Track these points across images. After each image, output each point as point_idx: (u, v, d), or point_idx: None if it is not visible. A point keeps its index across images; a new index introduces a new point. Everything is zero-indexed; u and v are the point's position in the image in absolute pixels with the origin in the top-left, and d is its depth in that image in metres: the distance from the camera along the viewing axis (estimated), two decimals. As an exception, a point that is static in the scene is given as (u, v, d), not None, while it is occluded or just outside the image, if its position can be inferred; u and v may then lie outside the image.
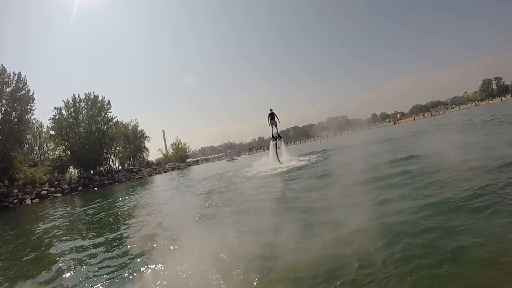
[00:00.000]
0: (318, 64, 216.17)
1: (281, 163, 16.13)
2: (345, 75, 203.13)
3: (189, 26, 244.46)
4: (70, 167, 43.91)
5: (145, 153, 58.37)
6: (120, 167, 51.33)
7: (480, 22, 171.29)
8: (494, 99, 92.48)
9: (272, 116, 17.37)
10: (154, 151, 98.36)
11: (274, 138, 17.42)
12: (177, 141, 69.59)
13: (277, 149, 17.15)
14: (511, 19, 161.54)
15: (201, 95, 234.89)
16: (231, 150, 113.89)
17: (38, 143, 46.20)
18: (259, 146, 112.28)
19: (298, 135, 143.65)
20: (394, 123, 78.86)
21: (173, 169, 54.72)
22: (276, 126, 17.53)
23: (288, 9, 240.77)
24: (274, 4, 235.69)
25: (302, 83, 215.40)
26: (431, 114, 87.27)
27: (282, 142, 18.09)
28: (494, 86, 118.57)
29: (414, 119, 78.20)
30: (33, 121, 40.71)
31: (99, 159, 45.49)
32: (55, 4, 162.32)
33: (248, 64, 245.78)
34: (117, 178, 41.82)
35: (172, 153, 68.18)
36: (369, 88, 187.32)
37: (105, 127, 47.53)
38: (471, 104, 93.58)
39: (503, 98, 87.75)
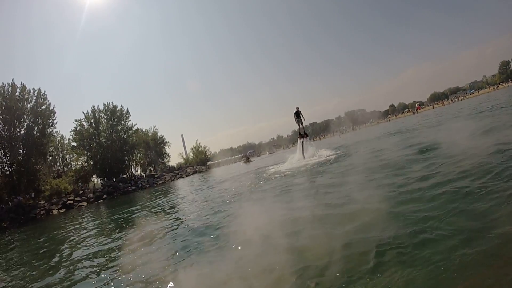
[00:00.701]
0: (336, 54, 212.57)
1: (304, 158, 16.43)
2: (363, 63, 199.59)
3: (202, 25, 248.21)
4: (94, 176, 44.52)
5: (166, 159, 58.79)
6: (142, 174, 51.69)
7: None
8: None
9: (298, 114, 17.42)
10: (174, 156, 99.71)
11: (301, 136, 17.64)
12: (197, 144, 69.63)
13: (303, 147, 17.24)
14: None
15: (217, 97, 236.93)
16: (251, 151, 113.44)
17: (60, 155, 47.09)
18: (278, 144, 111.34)
19: (317, 131, 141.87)
20: (413, 113, 77.37)
21: (194, 172, 54.68)
22: (302, 124, 17.64)
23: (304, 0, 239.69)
24: None
25: (320, 77, 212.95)
26: (451, 100, 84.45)
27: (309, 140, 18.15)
28: None
29: (434, 108, 76.17)
30: (55, 134, 41.70)
31: (121, 167, 45.96)
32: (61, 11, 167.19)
33: (266, 61, 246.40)
34: (140, 185, 42.02)
35: (193, 156, 68.40)
36: (386, 77, 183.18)
37: (125, 135, 48.11)
38: (491, 88, 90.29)
39: None
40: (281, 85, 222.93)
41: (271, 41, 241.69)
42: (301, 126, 17.60)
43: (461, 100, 75.64)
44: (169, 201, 14.65)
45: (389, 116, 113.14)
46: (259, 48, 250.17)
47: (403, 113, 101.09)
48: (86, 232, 10.56)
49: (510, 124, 8.65)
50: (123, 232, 8.14)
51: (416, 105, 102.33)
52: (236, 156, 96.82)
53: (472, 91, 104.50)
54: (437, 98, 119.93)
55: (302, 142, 17.44)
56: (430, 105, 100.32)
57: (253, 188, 10.76)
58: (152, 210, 12.53)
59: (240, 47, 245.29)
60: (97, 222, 14.05)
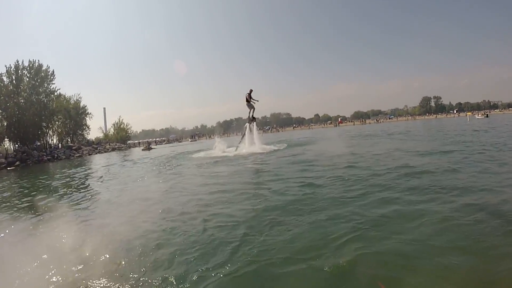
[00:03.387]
0: (264, 60, 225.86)
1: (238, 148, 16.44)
2: (289, 74, 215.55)
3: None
4: (6, 139, 40.74)
5: (86, 131, 55.55)
6: (58, 144, 48.91)
7: (428, 44, 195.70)
8: (430, 116, 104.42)
9: (250, 96, 16.66)
10: (94, 130, 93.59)
11: (251, 120, 16.91)
12: (119, 120, 67.47)
13: (247, 134, 16.89)
14: (457, 44, 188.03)
15: (144, 75, 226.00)
16: (173, 135, 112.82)
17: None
18: (201, 133, 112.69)
19: (240, 126, 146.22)
20: (335, 126, 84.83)
21: (113, 149, 53.63)
22: (252, 108, 16.95)
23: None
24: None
25: (244, 76, 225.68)
26: (374, 121, 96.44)
27: (254, 125, 17.21)
28: (432, 104, 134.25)
29: (354, 124, 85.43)
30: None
31: (38, 133, 42.36)
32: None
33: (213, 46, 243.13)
34: (55, 155, 40.30)
35: (113, 133, 65.98)
36: (314, 89, 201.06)
37: (46, 99, 44.13)
38: (409, 117, 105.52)
39: (438, 115, 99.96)
40: (205, 80, 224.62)
41: (222, 31, 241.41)
42: (251, 110, 16.90)
43: (380, 122, 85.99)
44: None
45: (312, 124, 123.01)
46: (207, 34, 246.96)
47: (326, 124, 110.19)
48: None
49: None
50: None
51: (339, 119, 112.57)
52: (157, 139, 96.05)
53: (392, 116, 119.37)
54: (359, 116, 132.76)
55: (249, 127, 16.84)
56: (351, 121, 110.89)
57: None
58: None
59: (174, 26, 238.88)
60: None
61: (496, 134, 15.10)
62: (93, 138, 59.44)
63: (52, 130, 48.03)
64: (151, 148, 41.79)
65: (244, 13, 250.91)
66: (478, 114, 65.84)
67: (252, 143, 16.64)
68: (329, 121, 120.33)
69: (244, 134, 17.28)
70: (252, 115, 17.01)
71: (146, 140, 73.59)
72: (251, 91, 16.70)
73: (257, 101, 16.96)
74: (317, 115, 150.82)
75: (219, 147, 18.26)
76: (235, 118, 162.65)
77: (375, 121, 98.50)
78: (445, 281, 2.48)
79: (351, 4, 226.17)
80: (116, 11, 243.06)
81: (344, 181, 6.29)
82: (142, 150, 39.75)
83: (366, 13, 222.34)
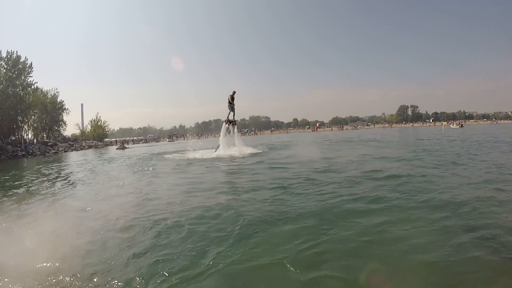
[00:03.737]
0: (244, 65, 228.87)
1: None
2: (270, 78, 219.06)
3: None
4: None
5: (62, 127, 53.90)
6: (34, 139, 47.34)
7: (406, 55, 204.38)
8: (407, 124, 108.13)
9: (233, 98, 16.54)
10: (71, 126, 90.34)
11: (230, 122, 16.73)
12: (96, 117, 65.86)
13: (222, 136, 16.77)
14: (435, 56, 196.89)
15: (122, 73, 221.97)
16: (151, 135, 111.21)
17: None
18: (179, 134, 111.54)
19: (219, 127, 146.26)
20: (313, 131, 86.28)
21: (90, 147, 52.66)
22: (233, 110, 16.75)
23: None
24: None
25: (223, 79, 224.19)
26: (352, 127, 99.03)
27: (235, 128, 17.12)
28: (409, 112, 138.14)
29: (332, 130, 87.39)
30: None
31: (13, 127, 41.01)
32: None
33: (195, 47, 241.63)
34: (30, 151, 39.18)
35: (90, 130, 64.47)
36: (294, 93, 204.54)
37: (23, 92, 42.66)
38: (386, 125, 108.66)
39: (415, 124, 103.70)
40: (181, 81, 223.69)
41: (203, 33, 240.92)
42: (231, 112, 16.72)
43: (358, 128, 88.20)
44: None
45: (290, 128, 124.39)
46: (187, 35, 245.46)
47: (304, 128, 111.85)
48: None
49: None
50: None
51: (317, 124, 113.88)
52: (135, 138, 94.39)
53: (369, 123, 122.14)
54: (338, 122, 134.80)
55: (228, 128, 16.66)
56: (329, 127, 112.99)
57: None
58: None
59: (155, 24, 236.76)
60: None
61: (461, 144, 16.17)
62: (70, 135, 58.03)
63: (28, 124, 46.51)
64: (125, 148, 40.98)
65: (224, 15, 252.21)
66: (453, 124, 68.68)
67: (231, 146, 16.40)
68: (307, 126, 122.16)
69: (221, 136, 17.13)
70: (233, 118, 16.84)
71: (123, 139, 72.26)
72: (234, 92, 16.58)
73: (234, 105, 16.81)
74: (295, 119, 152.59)
75: (196, 148, 18.20)
76: (213, 120, 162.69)
77: (353, 127, 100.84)
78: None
79: (334, 13, 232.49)
80: (94, 6, 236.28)
81: (314, 184, 6.72)
82: (117, 149, 39.12)
83: (347, 23, 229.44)
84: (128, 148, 40.83)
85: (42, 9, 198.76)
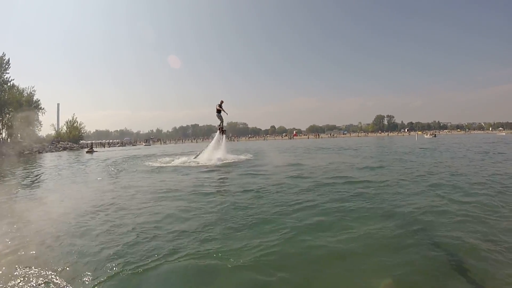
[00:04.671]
0: (226, 70, 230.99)
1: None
2: (251, 85, 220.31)
3: None
4: None
5: (37, 127, 52.44)
6: (7, 138, 45.86)
7: (385, 65, 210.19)
8: (382, 133, 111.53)
9: (221, 107, 16.87)
10: (46, 126, 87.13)
11: (222, 130, 17.15)
12: (73, 118, 64.89)
13: (213, 143, 17.07)
14: (411, 67, 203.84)
15: (101, 73, 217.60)
16: (127, 138, 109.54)
17: None
18: (156, 138, 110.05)
19: (197, 133, 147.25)
20: (290, 138, 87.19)
21: (65, 149, 51.56)
22: (222, 119, 17.10)
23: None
24: None
25: (204, 83, 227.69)
26: (328, 136, 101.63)
27: (224, 137, 17.38)
28: (385, 122, 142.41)
29: (308, 138, 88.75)
30: None
31: None
32: None
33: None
34: (4, 151, 38.20)
35: (66, 131, 63.21)
36: (273, 101, 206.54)
37: None
38: (362, 133, 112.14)
39: (390, 133, 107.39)
40: (165, 82, 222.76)
41: (186, 36, 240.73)
42: (221, 122, 17.05)
43: (334, 137, 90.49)
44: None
45: (267, 135, 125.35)
46: (170, 38, 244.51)
47: (281, 136, 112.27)
48: None
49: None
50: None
51: (294, 131, 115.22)
52: (110, 141, 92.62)
53: (346, 132, 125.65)
54: (315, 130, 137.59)
55: (219, 137, 17.05)
56: (306, 135, 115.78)
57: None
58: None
59: (137, 24, 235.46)
60: None
61: (430, 154, 17.06)
62: (45, 135, 56.45)
63: (2, 123, 45.05)
64: (94, 151, 38.72)
65: (209, 19, 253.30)
66: (427, 134, 71.65)
67: (217, 153, 16.30)
68: (284, 134, 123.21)
69: (212, 143, 17.46)
70: (222, 126, 17.17)
71: (92, 142, 70.54)
72: (222, 102, 16.97)
73: (227, 114, 17.25)
74: (273, 126, 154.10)
75: (175, 153, 18.42)
76: (191, 125, 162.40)
77: (329, 135, 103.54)
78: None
79: (318, 21, 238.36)
80: (72, 2, 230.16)
81: (281, 190, 7.06)
82: (86, 152, 37.32)
83: (330, 30, 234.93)
84: (96, 152, 39.01)
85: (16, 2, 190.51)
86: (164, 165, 14.70)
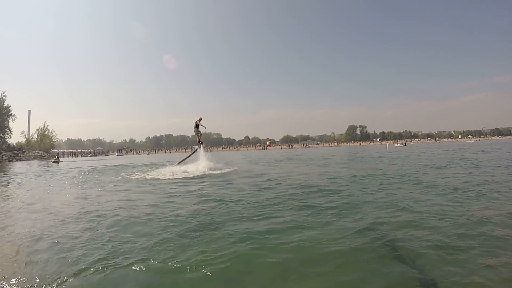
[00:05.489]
0: (195, 85, 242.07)
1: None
2: (220, 99, 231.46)
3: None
4: None
5: (7, 134, 51.31)
6: (-24, 146, 44.17)
7: (355, 80, 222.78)
8: (355, 143, 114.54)
9: (197, 125, 17.78)
10: (16, 134, 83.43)
11: (201, 143, 18.12)
12: (44, 126, 63.32)
13: (193, 154, 18.10)
14: (382, 80, 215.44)
15: (74, 78, 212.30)
16: (99, 148, 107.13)
17: None
18: (129, 148, 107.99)
19: (171, 144, 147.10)
20: (263, 149, 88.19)
21: (35, 157, 50.29)
22: (199, 134, 18.08)
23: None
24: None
25: (169, 95, 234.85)
26: (301, 146, 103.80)
27: (202, 148, 18.08)
28: (358, 132, 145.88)
29: (282, 148, 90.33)
30: None
31: None
32: None
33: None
34: (-28, 158, 37.16)
35: (37, 139, 61.67)
36: (246, 112, 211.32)
37: None
38: (335, 143, 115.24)
39: (363, 143, 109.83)
40: (150, 91, 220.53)
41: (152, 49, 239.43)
42: (198, 136, 18.03)
43: (307, 147, 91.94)
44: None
45: (242, 145, 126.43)
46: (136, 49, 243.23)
47: (255, 146, 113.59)
48: None
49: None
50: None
51: (268, 142, 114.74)
52: (83, 150, 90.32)
53: (319, 142, 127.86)
54: (288, 140, 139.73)
55: (199, 150, 17.90)
56: (279, 145, 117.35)
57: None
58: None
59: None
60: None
61: (398, 162, 17.11)
62: (14, 143, 54.71)
63: (-30, 130, 43.73)
64: (60, 162, 36.24)
65: (177, 35, 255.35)
66: (397, 143, 74.36)
67: (197, 165, 16.42)
68: (258, 144, 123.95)
69: (190, 155, 18.54)
70: (200, 139, 18.05)
71: (59, 151, 68.39)
72: (200, 119, 17.82)
73: (205, 128, 18.21)
74: (247, 137, 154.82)
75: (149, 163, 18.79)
76: (165, 135, 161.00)
77: (303, 145, 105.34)
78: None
79: (283, 39, 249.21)
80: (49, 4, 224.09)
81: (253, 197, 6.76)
82: (52, 162, 35.34)
83: (297, 49, 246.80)
84: (62, 162, 36.85)
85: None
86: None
